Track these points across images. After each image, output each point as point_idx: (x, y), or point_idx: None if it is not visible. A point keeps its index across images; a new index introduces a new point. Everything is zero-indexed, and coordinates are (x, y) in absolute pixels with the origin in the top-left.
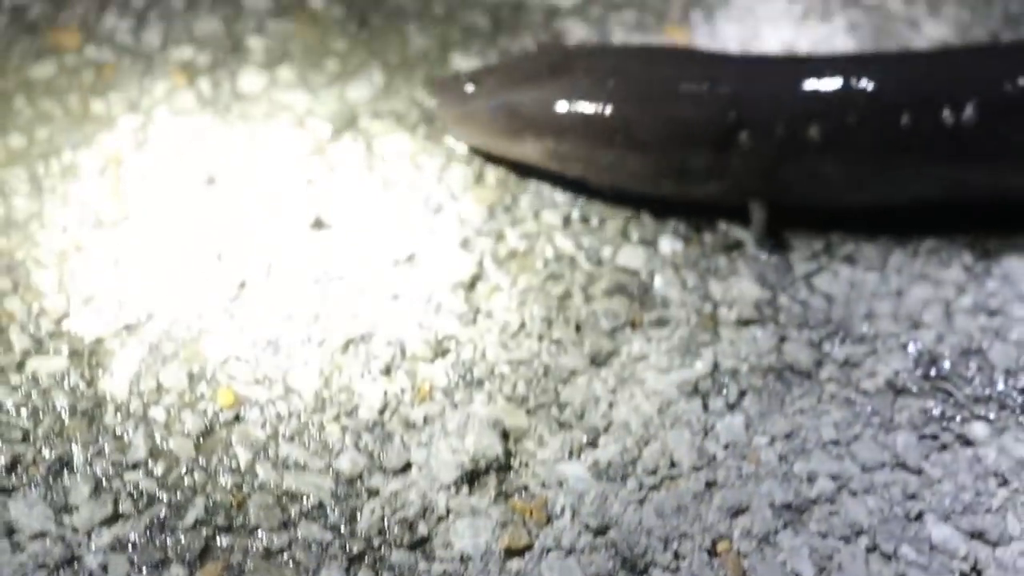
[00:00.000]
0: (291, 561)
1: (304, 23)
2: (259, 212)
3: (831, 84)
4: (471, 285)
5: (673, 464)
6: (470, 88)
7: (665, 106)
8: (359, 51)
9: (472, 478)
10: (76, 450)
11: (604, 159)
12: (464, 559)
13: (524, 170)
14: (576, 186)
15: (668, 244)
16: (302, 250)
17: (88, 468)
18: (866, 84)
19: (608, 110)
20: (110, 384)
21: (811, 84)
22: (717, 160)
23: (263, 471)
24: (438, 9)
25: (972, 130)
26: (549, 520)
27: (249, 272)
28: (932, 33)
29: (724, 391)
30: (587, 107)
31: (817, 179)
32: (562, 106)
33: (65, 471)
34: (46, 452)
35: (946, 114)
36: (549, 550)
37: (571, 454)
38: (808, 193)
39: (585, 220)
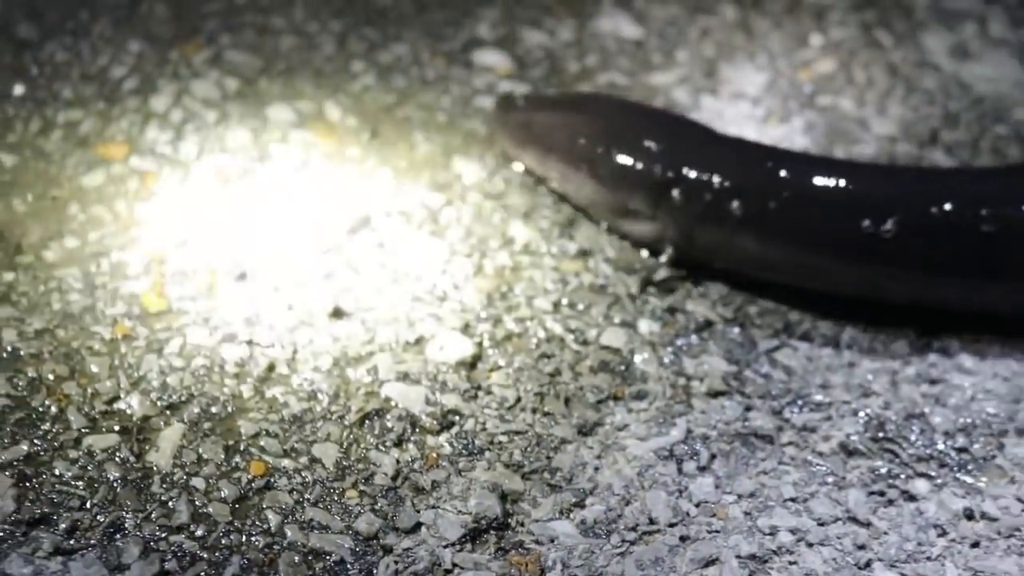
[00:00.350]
0: None
1: (323, 133)
2: (285, 303)
3: (763, 169)
4: (472, 365)
5: (651, 521)
6: (519, 103)
7: (622, 152)
8: (371, 157)
9: (475, 536)
10: (127, 516)
11: (573, 182)
12: None
13: (518, 262)
14: (564, 275)
15: (646, 326)
16: (323, 336)
17: (138, 532)
18: (795, 178)
19: (583, 143)
20: (156, 457)
21: (746, 164)
22: (652, 207)
23: (291, 532)
24: (441, 118)
25: (888, 244)
26: (543, 572)
27: (277, 356)
28: (880, 131)
29: (696, 455)
30: (572, 137)
31: (733, 249)
32: (556, 131)
33: (118, 535)
34: (101, 518)
35: (864, 224)
36: None
37: (561, 513)
38: (726, 259)
39: (572, 305)
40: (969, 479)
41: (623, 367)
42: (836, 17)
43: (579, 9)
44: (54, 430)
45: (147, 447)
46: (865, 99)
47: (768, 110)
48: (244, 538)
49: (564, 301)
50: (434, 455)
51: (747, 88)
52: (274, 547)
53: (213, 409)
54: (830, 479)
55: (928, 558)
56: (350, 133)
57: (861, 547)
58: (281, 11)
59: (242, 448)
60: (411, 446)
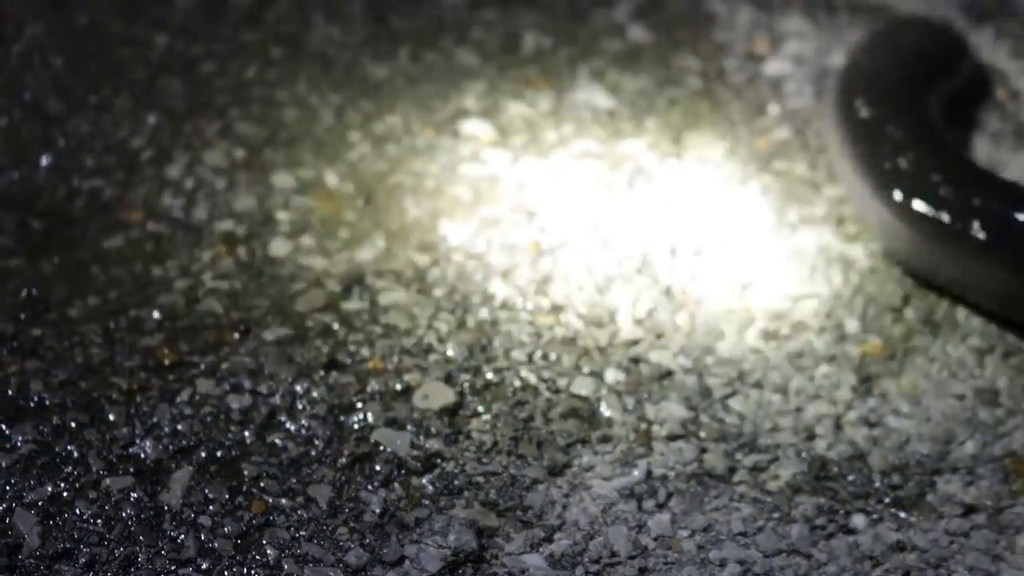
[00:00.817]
0: None
1: (321, 199)
2: (284, 355)
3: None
4: (454, 412)
5: (613, 554)
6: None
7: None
8: (365, 221)
9: (453, 568)
10: (140, 551)
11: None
12: None
13: (497, 317)
14: (539, 329)
15: (612, 375)
16: (319, 386)
17: (150, 565)
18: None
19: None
20: (167, 497)
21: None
22: None
23: (288, 565)
24: (429, 184)
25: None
26: None
27: (277, 405)
28: (830, 193)
29: (655, 494)
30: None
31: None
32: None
33: (132, 568)
34: (117, 552)
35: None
36: None
37: (532, 547)
38: None
39: (545, 357)
40: (903, 514)
41: (590, 413)
42: (792, 88)
43: (557, 82)
44: (75, 473)
45: (159, 488)
46: (817, 163)
47: (728, 175)
48: (245, 571)
49: (538, 353)
50: (418, 494)
51: (710, 154)
52: None
53: (219, 453)
54: (776, 515)
55: None
56: (346, 198)
57: None
58: (285, 85)
59: (245, 489)
60: (397, 486)
